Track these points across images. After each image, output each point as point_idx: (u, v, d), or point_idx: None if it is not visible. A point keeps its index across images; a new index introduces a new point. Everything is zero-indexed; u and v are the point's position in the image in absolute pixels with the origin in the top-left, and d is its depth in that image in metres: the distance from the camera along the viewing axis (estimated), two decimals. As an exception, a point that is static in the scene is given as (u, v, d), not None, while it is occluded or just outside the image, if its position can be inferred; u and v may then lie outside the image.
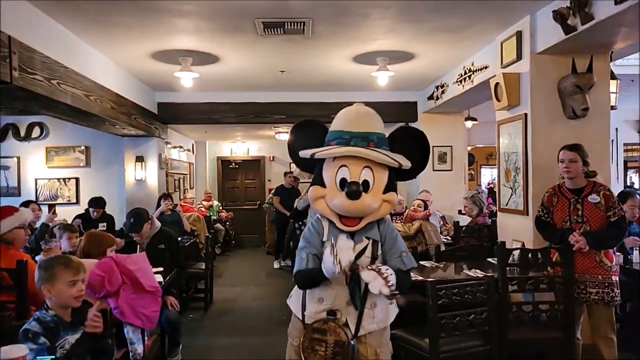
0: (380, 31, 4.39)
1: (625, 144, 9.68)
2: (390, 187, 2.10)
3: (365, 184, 2.02)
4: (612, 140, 9.00)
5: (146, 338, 2.98)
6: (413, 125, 7.47)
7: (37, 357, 1.93)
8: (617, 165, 9.37)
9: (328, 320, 2.05)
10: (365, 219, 2.04)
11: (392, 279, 1.90)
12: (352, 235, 2.07)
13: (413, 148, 2.17)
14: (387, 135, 2.16)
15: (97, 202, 5.93)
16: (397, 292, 1.92)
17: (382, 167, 2.06)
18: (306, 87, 6.70)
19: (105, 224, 5.91)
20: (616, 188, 5.56)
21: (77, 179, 7.31)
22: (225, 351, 4.45)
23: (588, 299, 3.18)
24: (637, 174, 11.89)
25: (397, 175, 2.14)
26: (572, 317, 3.19)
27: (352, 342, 2.02)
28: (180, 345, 4.20)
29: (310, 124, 2.21)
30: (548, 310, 3.20)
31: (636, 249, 4.01)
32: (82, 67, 4.40)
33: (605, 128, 3.98)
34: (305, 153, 2.12)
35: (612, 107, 4.17)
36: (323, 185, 2.09)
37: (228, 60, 5.27)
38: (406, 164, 2.08)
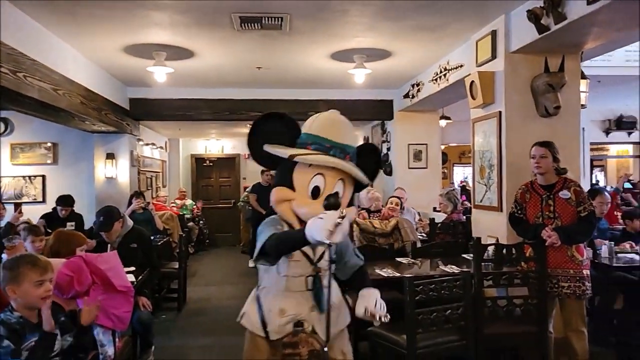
0: (359, 28, 4.39)
1: (591, 143, 9.97)
2: (351, 201, 2.12)
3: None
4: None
5: (117, 340, 2.90)
6: (389, 123, 7.53)
7: None
8: (583, 163, 9.62)
9: (298, 332, 1.98)
10: None
11: (384, 309, 1.94)
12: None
13: (370, 162, 2.20)
14: None
15: (65, 201, 5.75)
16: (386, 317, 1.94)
17: (352, 182, 2.06)
18: (283, 84, 6.66)
19: (73, 223, 5.74)
20: (582, 185, 5.72)
21: (43, 177, 7.08)
22: (200, 352, 4.39)
23: (560, 292, 3.25)
24: (602, 172, 12.26)
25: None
26: (545, 311, 3.24)
27: (325, 348, 1.99)
28: (153, 347, 4.10)
29: (279, 118, 2.09)
30: (522, 305, 3.25)
31: (605, 244, 4.11)
32: (50, 60, 4.26)
33: (576, 126, 4.07)
34: (277, 150, 2.01)
35: (582, 106, 4.27)
36: (290, 187, 2.00)
37: (203, 55, 5.18)
38: (368, 181, 2.12)
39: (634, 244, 4.37)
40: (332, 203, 1.87)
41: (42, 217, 5.73)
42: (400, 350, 3.03)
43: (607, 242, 4.18)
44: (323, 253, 2.04)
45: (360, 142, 9.57)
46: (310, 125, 2.05)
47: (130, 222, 4.24)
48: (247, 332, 2.12)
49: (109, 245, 3.98)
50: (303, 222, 1.90)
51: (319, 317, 2.03)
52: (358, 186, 2.12)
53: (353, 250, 2.18)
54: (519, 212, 3.45)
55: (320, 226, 1.61)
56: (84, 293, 2.61)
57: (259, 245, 1.92)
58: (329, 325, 2.02)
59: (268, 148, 2.03)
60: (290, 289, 2.01)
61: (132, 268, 3.65)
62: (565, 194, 3.28)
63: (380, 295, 2.02)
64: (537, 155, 3.33)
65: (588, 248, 4.11)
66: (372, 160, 2.23)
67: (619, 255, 4.15)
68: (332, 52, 5.14)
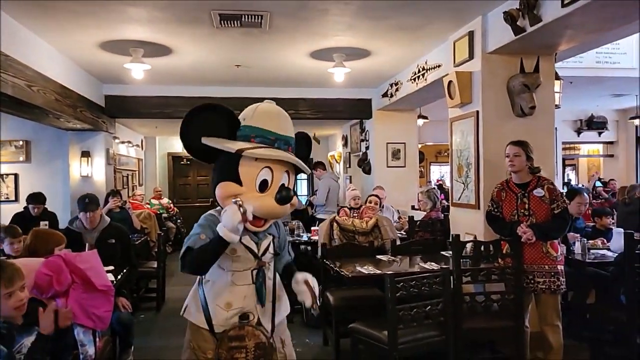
0: (339, 27, 4.42)
1: (563, 143, 10.28)
2: (295, 191, 2.17)
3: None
4: (552, 139, 9.51)
5: (97, 339, 2.86)
6: (368, 122, 7.58)
7: None
8: (555, 162, 9.89)
9: (244, 325, 1.99)
10: (269, 220, 2.05)
11: (317, 291, 2.06)
12: (255, 234, 2.04)
13: (303, 151, 2.24)
14: None
15: (37, 198, 5.61)
16: (316, 306, 2.05)
17: (294, 172, 2.10)
18: (262, 82, 6.63)
19: (47, 222, 5.61)
20: (556, 184, 5.87)
21: (16, 175, 6.90)
22: (180, 352, 4.33)
23: (536, 288, 3.33)
24: (574, 171, 12.59)
25: None
26: (521, 306, 3.32)
27: (271, 340, 2.03)
28: (132, 347, 4.06)
29: (213, 110, 2.02)
30: (499, 300, 3.33)
31: (578, 241, 4.23)
32: (24, 55, 4.16)
33: (550, 125, 4.18)
34: (222, 144, 1.95)
35: (556, 106, 4.38)
36: (237, 182, 1.96)
37: (182, 52, 5.13)
38: (309, 170, 2.18)
39: (605, 241, 4.51)
40: (285, 196, 1.93)
41: (14, 216, 5.59)
42: (381, 347, 3.06)
43: (579, 237, 4.29)
44: (268, 247, 2.07)
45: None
46: (251, 117, 2.03)
47: (107, 218, 4.20)
48: (189, 325, 2.11)
49: (86, 244, 3.91)
50: (254, 217, 1.93)
51: (264, 309, 2.07)
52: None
53: (287, 247, 2.30)
54: (495, 210, 3.53)
55: (230, 217, 1.79)
56: (64, 293, 2.56)
57: (183, 249, 1.94)
58: (274, 317, 2.08)
59: (208, 141, 1.96)
60: (236, 282, 2.01)
61: (111, 267, 3.60)
62: (539, 192, 3.37)
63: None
64: (511, 154, 3.41)
65: (562, 244, 4.23)
66: (305, 148, 2.27)
67: (592, 251, 4.28)
68: (311, 50, 5.15)
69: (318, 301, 2.05)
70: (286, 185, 2.02)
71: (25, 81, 4.14)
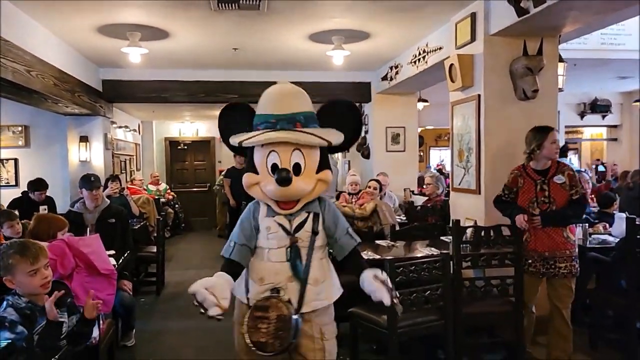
0: (337, 9, 4.35)
1: (566, 126, 10.16)
2: (324, 164, 2.10)
3: (297, 167, 2.01)
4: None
5: (101, 322, 2.88)
6: (367, 106, 7.52)
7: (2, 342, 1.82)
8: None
9: (270, 297, 2.04)
10: (301, 201, 2.06)
11: (393, 289, 1.96)
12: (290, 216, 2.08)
13: (344, 119, 2.15)
14: (316, 111, 2.13)
15: (40, 185, 5.61)
16: (397, 300, 1.94)
17: (313, 147, 2.05)
18: (260, 65, 6.56)
19: (46, 207, 5.61)
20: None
21: (16, 160, 6.89)
22: (180, 334, 4.37)
23: (557, 272, 3.29)
24: (577, 155, 12.52)
25: (331, 149, 2.13)
26: (521, 290, 3.31)
27: (294, 316, 2.02)
28: (134, 330, 4.10)
29: (236, 108, 2.15)
30: (499, 285, 3.32)
31: (579, 226, 4.21)
32: (22, 40, 4.11)
33: (553, 109, 4.12)
34: (234, 140, 2.08)
35: (560, 89, 4.33)
36: (256, 171, 2.06)
37: (179, 36, 5.06)
38: (336, 138, 2.08)
39: (607, 225, 4.50)
40: (283, 177, 1.94)
41: (13, 201, 5.59)
42: (381, 330, 3.07)
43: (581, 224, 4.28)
44: (301, 224, 2.07)
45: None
46: (259, 105, 2.08)
47: (107, 200, 4.28)
48: (236, 299, 2.16)
49: (87, 226, 3.93)
50: (278, 201, 2.02)
51: (297, 287, 2.06)
52: (335, 148, 2.13)
53: (347, 230, 2.17)
54: (507, 196, 3.48)
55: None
56: (68, 276, 2.57)
57: (223, 250, 2.06)
58: (302, 296, 2.06)
59: (231, 139, 2.10)
60: (271, 259, 2.07)
61: (112, 252, 3.62)
62: (559, 178, 3.30)
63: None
64: (557, 140, 3.34)
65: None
66: (338, 117, 2.15)
67: (593, 236, 4.27)
68: (310, 33, 5.08)
69: (397, 294, 1.97)
70: (301, 163, 2.01)
71: (25, 66, 4.10)
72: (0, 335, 1.87)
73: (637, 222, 3.42)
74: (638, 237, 3.33)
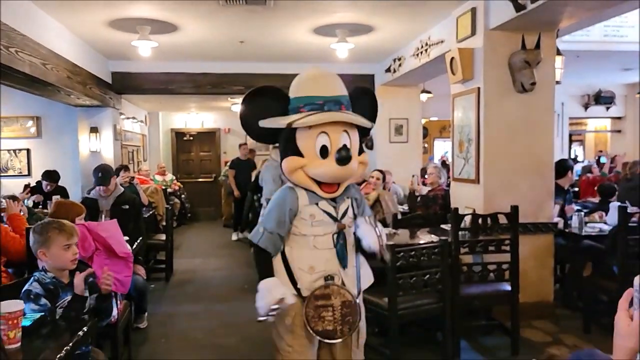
0: (341, 3, 4.46)
1: (570, 118, 10.18)
2: (361, 148, 2.16)
3: (345, 148, 2.01)
4: (558, 115, 9.50)
5: (118, 302, 3.05)
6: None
7: (28, 315, 1.98)
8: (562, 138, 9.92)
9: (329, 285, 2.04)
10: (343, 184, 2.08)
11: (384, 237, 2.05)
12: (333, 200, 2.10)
13: (367, 105, 2.24)
14: None
15: (51, 176, 5.80)
16: (384, 248, 2.04)
17: (355, 130, 2.09)
18: (265, 58, 6.68)
19: (58, 196, 5.79)
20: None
21: (28, 150, 7.07)
22: (190, 317, 4.55)
23: None
24: (581, 147, 12.57)
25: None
26: (516, 275, 3.46)
27: (357, 300, 2.08)
28: (146, 313, 4.27)
29: (267, 92, 2.09)
30: (495, 270, 3.47)
31: (575, 215, 4.35)
32: (38, 35, 4.25)
33: (550, 101, 4.24)
34: (274, 123, 2.03)
35: (557, 82, 4.43)
36: (298, 154, 2.03)
37: (187, 29, 5.19)
38: (370, 123, 2.17)
39: (603, 214, 4.63)
40: (344, 156, 1.96)
41: (29, 191, 5.78)
42: (382, 312, 3.22)
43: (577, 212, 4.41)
44: (346, 210, 2.13)
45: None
46: (298, 87, 2.08)
47: (120, 187, 4.43)
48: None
49: (102, 212, 4.10)
50: (321, 183, 2.03)
51: (347, 272, 2.11)
52: (363, 132, 2.18)
53: (369, 219, 2.20)
54: None
55: (263, 301, 1.95)
56: (88, 259, 2.74)
57: (253, 237, 2.07)
58: (359, 278, 2.12)
59: (264, 123, 2.05)
60: (317, 246, 2.08)
61: (126, 237, 3.78)
62: None
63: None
64: None
65: (559, 219, 4.36)
66: (364, 103, 2.24)
67: (589, 224, 4.40)
68: (314, 26, 5.19)
69: (384, 243, 2.02)
70: (348, 145, 2.02)
71: (41, 60, 4.24)
72: (25, 307, 2.03)
73: (628, 211, 3.55)
74: (629, 224, 3.46)
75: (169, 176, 10.15)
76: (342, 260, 2.09)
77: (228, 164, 9.17)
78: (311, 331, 2.01)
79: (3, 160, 6.97)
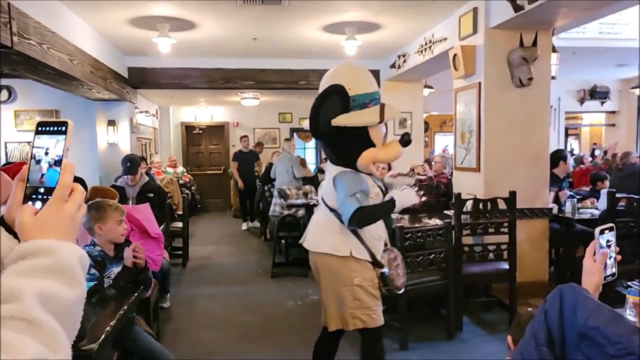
0: (351, 3, 4.75)
1: (566, 112, 10.46)
2: None
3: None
4: (555, 109, 9.79)
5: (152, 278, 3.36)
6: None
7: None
8: (558, 131, 10.21)
9: (391, 249, 2.48)
10: None
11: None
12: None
13: None
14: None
15: None
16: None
17: None
18: (276, 54, 6.97)
19: (77, 186, 6.04)
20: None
21: (47, 143, 7.33)
22: (210, 298, 4.87)
23: None
24: (577, 140, 12.85)
25: None
26: (514, 254, 3.78)
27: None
28: (169, 294, 4.59)
29: (341, 91, 2.25)
30: (495, 250, 3.78)
31: (569, 201, 4.66)
32: (65, 31, 4.53)
33: (546, 96, 4.54)
34: (352, 119, 2.22)
35: (553, 77, 4.73)
36: (372, 146, 2.33)
37: (205, 27, 5.47)
38: None
39: (595, 200, 4.94)
40: (408, 140, 2.38)
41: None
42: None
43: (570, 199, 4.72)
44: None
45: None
46: (358, 85, 2.29)
47: (145, 177, 4.71)
48: (347, 263, 2.35)
49: (129, 199, 4.40)
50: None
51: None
52: None
53: None
54: None
55: (407, 200, 2.33)
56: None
57: (353, 207, 2.20)
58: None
59: (341, 121, 2.24)
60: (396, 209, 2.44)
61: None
62: None
63: None
64: None
65: (554, 204, 4.67)
66: None
67: (581, 210, 4.71)
68: (325, 25, 5.47)
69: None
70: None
71: (68, 55, 4.52)
72: None
73: (616, 196, 3.85)
74: (617, 208, 3.77)
75: (180, 168, 10.45)
76: (388, 227, 2.54)
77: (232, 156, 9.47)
78: (395, 290, 2.40)
79: (23, 152, 7.25)
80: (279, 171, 7.15)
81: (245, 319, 4.30)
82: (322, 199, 2.47)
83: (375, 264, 2.37)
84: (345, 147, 2.33)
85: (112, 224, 2.53)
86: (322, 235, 2.43)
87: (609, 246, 1.28)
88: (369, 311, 2.38)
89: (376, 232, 2.43)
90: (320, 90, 2.34)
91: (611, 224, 1.29)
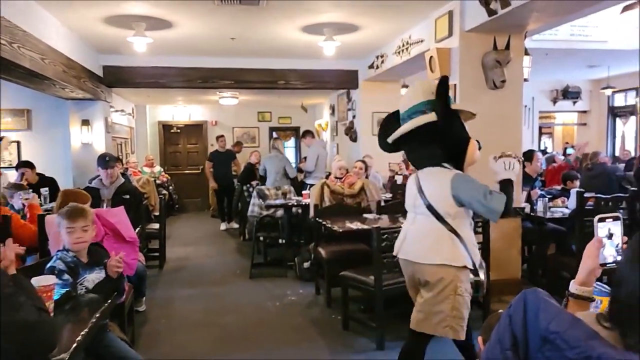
0: (330, 4, 4.77)
1: (540, 112, 10.73)
2: None
3: None
4: (529, 108, 10.01)
5: (125, 284, 3.32)
6: (355, 92, 7.97)
7: (56, 290, 2.25)
8: (532, 130, 10.45)
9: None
10: None
11: None
12: None
13: None
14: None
15: (25, 163, 5.90)
16: None
17: None
18: (255, 54, 6.95)
19: (47, 188, 5.78)
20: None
21: (18, 143, 7.19)
22: (188, 300, 4.84)
23: None
24: (550, 139, 13.14)
25: None
26: (488, 253, 3.85)
27: None
28: (145, 297, 4.53)
29: (389, 118, 2.78)
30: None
31: (540, 200, 4.76)
32: (37, 30, 4.44)
33: (519, 97, 4.64)
34: (421, 120, 2.50)
35: (525, 79, 4.83)
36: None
37: (182, 26, 5.43)
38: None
39: (565, 199, 5.06)
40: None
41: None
42: (368, 289, 3.59)
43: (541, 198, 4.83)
44: None
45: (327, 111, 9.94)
46: (415, 93, 2.61)
47: (121, 178, 4.65)
48: (451, 272, 2.37)
49: (104, 201, 4.34)
50: None
51: None
52: None
53: None
54: None
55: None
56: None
57: (502, 205, 2.28)
58: None
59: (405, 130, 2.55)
60: None
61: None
62: None
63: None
64: None
65: (526, 203, 4.78)
66: None
67: (552, 209, 4.83)
68: (303, 25, 5.49)
69: None
70: None
71: (39, 55, 4.44)
72: None
73: (585, 195, 3.97)
74: (586, 207, 3.88)
75: (157, 168, 10.33)
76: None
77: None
78: (482, 295, 2.48)
79: (-6, 152, 7.08)
80: (268, 170, 7.14)
81: (224, 320, 4.28)
82: (428, 208, 2.43)
83: (475, 271, 2.39)
84: (442, 144, 2.54)
85: (63, 232, 2.49)
86: (434, 246, 2.41)
87: (611, 235, 1.30)
88: (462, 322, 2.41)
89: (474, 238, 2.47)
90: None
91: (615, 214, 1.31)
